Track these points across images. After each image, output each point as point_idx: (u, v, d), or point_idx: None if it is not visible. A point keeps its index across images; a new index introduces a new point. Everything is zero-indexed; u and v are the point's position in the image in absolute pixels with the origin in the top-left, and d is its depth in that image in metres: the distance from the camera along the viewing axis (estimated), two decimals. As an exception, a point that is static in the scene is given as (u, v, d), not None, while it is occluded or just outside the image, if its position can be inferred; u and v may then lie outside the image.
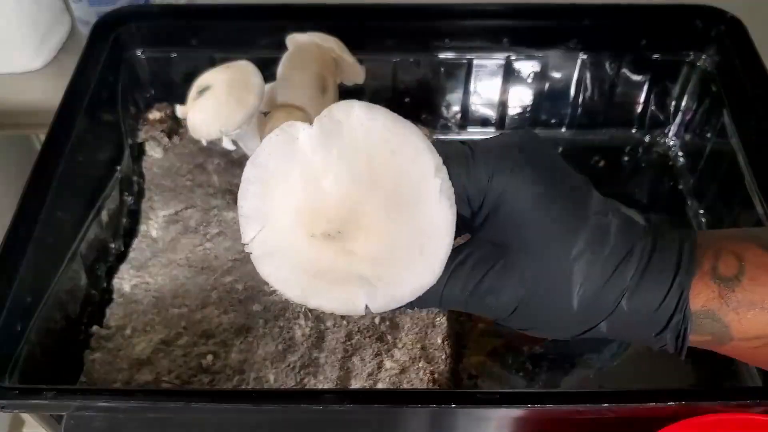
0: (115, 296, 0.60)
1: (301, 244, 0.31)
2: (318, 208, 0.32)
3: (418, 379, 0.53)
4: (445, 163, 0.33)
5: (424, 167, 0.32)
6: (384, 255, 0.32)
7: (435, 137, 0.74)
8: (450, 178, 0.33)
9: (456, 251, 0.34)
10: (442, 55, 0.70)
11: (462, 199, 0.33)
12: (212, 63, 0.67)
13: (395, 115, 0.33)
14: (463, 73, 0.71)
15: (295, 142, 0.33)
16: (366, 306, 0.32)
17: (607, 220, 0.34)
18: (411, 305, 0.34)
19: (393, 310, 0.56)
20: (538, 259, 0.33)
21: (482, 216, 0.34)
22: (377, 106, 0.33)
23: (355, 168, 0.32)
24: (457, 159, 0.33)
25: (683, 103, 0.72)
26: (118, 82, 0.67)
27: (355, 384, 0.53)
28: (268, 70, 0.59)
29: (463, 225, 0.35)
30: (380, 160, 0.32)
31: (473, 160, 0.33)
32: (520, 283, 0.33)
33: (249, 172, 0.34)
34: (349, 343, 0.55)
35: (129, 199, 0.67)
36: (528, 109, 0.73)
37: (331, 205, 0.32)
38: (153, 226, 0.64)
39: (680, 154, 0.73)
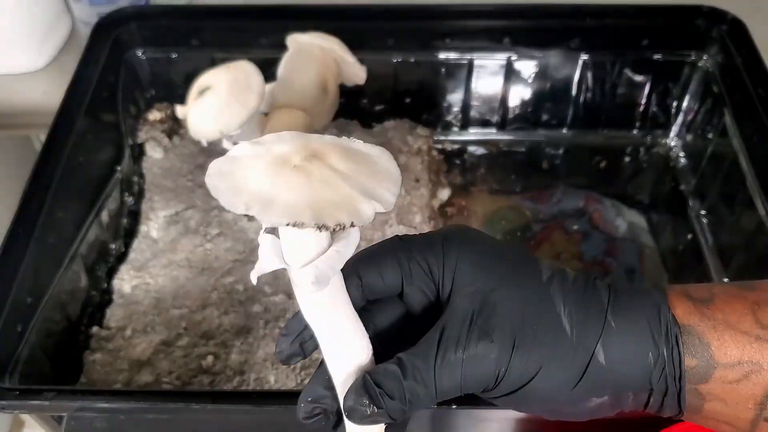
0: (115, 297, 0.60)
1: (289, 175, 0.30)
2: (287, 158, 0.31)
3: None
4: (403, 251, 0.34)
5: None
6: (356, 172, 0.31)
7: (436, 138, 0.74)
8: (411, 266, 0.34)
9: (430, 332, 0.33)
10: (443, 56, 0.70)
11: (427, 282, 0.34)
12: (213, 63, 0.67)
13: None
14: (463, 73, 0.71)
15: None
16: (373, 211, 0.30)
17: (560, 266, 0.35)
18: (398, 411, 0.32)
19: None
20: (515, 290, 0.33)
21: (447, 289, 0.34)
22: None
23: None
24: (407, 247, 0.35)
25: (684, 104, 0.72)
26: (118, 82, 0.67)
27: (356, 385, 0.53)
28: (268, 71, 0.59)
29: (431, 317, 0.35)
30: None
31: (428, 246, 0.35)
32: (513, 319, 0.33)
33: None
34: (349, 343, 0.55)
35: (129, 200, 0.67)
36: (529, 109, 0.73)
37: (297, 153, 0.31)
38: (153, 226, 0.64)
39: (681, 154, 0.73)
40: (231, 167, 0.30)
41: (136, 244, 0.63)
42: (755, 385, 0.33)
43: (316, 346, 0.35)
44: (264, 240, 0.32)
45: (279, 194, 0.28)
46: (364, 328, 0.33)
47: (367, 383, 0.32)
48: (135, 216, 0.66)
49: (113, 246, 0.64)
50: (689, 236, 0.67)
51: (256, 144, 0.31)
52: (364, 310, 0.35)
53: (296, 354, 0.35)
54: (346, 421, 0.34)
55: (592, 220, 0.68)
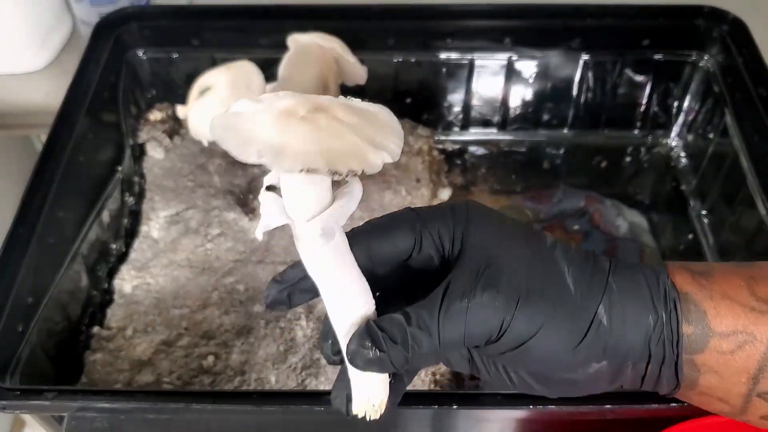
0: (116, 297, 0.60)
1: (298, 126, 0.30)
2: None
3: (420, 380, 0.53)
4: (419, 217, 0.35)
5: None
6: (361, 125, 0.31)
7: (437, 138, 0.74)
8: (421, 230, 0.35)
9: (438, 287, 0.34)
10: (444, 55, 0.70)
11: (437, 249, 0.35)
12: (213, 63, 0.67)
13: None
14: (464, 73, 0.71)
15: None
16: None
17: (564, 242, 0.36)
18: (400, 361, 0.33)
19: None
20: (522, 250, 0.34)
21: (456, 249, 0.35)
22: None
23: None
24: (422, 212, 0.36)
25: (685, 104, 0.72)
26: (119, 82, 0.67)
27: (357, 385, 0.53)
28: (269, 71, 0.59)
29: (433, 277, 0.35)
30: None
31: (439, 212, 0.36)
32: (516, 272, 0.33)
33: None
34: (350, 343, 0.55)
35: (130, 200, 0.67)
36: (530, 109, 0.73)
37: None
38: (154, 226, 0.64)
39: (682, 154, 0.73)
40: (236, 121, 0.30)
41: (137, 244, 0.63)
42: (749, 357, 0.33)
43: (304, 301, 0.35)
44: (266, 198, 0.32)
45: (289, 143, 0.29)
46: (368, 286, 0.34)
47: (370, 328, 0.33)
48: (136, 216, 0.66)
49: (114, 246, 0.64)
50: (690, 236, 0.67)
51: (257, 101, 0.31)
52: (370, 274, 0.35)
53: (282, 302, 0.35)
54: (353, 381, 0.34)
55: (592, 220, 0.68)
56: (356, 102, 0.32)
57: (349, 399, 0.35)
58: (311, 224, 0.31)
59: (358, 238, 0.35)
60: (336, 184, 0.33)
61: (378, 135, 0.31)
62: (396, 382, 0.36)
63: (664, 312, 0.34)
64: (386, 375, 0.34)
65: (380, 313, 0.34)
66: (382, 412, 0.35)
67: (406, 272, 0.37)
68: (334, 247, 0.32)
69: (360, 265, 0.34)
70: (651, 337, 0.34)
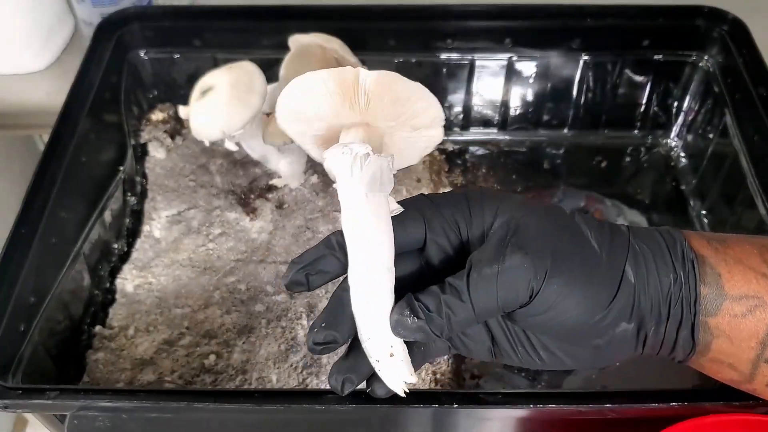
0: (118, 296, 0.60)
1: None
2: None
3: (420, 379, 0.53)
4: (431, 204, 0.38)
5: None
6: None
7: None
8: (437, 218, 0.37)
9: (469, 259, 0.35)
10: (445, 56, 0.70)
11: (452, 234, 0.37)
12: (215, 64, 0.68)
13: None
14: (465, 73, 0.71)
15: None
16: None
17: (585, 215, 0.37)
18: (441, 328, 0.34)
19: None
20: (546, 217, 0.35)
21: (475, 236, 0.36)
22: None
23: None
24: (439, 199, 0.38)
25: (685, 104, 0.72)
26: (121, 82, 0.67)
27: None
28: (270, 71, 0.59)
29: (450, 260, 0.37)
30: None
31: (455, 200, 0.38)
32: (543, 235, 0.34)
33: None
34: (351, 343, 0.56)
35: (132, 200, 0.67)
36: (530, 109, 0.73)
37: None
38: (156, 226, 0.64)
39: (682, 154, 0.73)
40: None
41: (139, 243, 0.63)
42: (759, 321, 0.35)
43: (322, 282, 0.37)
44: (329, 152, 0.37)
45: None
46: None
47: (409, 299, 0.35)
48: (138, 216, 0.66)
49: (116, 246, 0.64)
50: (690, 236, 0.67)
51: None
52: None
53: (300, 283, 0.36)
54: (376, 360, 0.36)
55: (593, 220, 0.68)
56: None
57: (346, 381, 0.36)
58: (362, 175, 0.36)
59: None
60: None
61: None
62: (434, 348, 0.38)
63: (682, 272, 0.35)
64: (407, 357, 0.36)
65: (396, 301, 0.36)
66: (407, 388, 0.36)
67: (420, 264, 0.38)
68: (381, 199, 0.36)
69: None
70: (672, 296, 0.35)
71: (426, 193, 0.38)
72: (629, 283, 0.34)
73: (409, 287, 0.36)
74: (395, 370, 0.35)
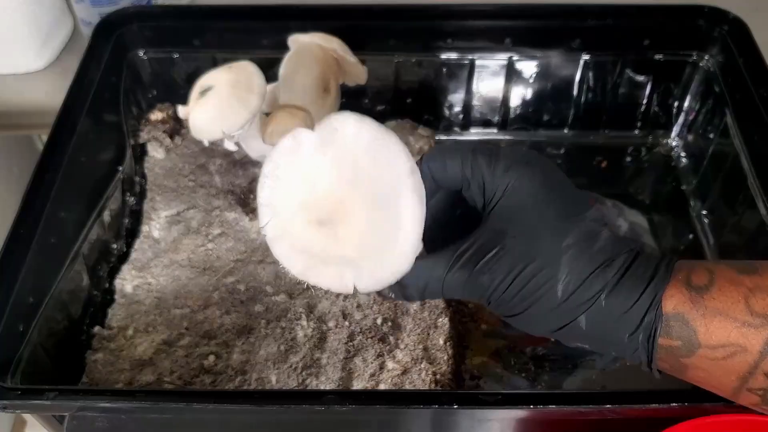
0: (117, 297, 0.60)
1: (301, 230, 0.39)
2: (313, 201, 0.39)
3: (420, 379, 0.53)
4: (473, 151, 0.39)
5: (399, 169, 0.38)
6: (366, 241, 0.39)
7: (438, 137, 0.74)
8: (472, 166, 0.39)
9: (461, 241, 0.38)
10: (445, 56, 0.70)
11: (479, 187, 0.39)
12: (214, 63, 0.68)
13: (381, 126, 0.39)
14: (465, 73, 0.71)
15: (300, 147, 0.40)
16: (354, 286, 0.39)
17: (600, 228, 0.38)
18: (415, 296, 0.40)
19: (395, 311, 0.56)
20: (531, 244, 0.37)
21: (491, 205, 0.39)
22: (367, 118, 0.39)
23: (343, 170, 0.39)
24: (483, 150, 0.39)
25: (686, 104, 0.72)
26: (120, 82, 0.67)
27: (357, 385, 0.53)
28: (270, 71, 0.59)
29: (471, 216, 0.40)
30: (364, 164, 0.39)
31: (496, 155, 0.39)
32: (513, 265, 0.37)
33: (266, 167, 0.40)
34: (351, 344, 0.55)
35: (131, 200, 0.67)
36: (530, 109, 0.73)
37: (322, 199, 0.39)
38: (155, 226, 0.64)
39: (683, 154, 0.73)
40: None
41: (138, 244, 0.63)
42: (739, 362, 0.36)
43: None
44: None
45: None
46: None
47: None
48: (137, 216, 0.66)
49: (115, 246, 0.64)
50: (690, 236, 0.67)
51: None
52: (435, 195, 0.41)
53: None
54: None
55: (593, 220, 0.68)
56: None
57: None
58: None
59: (425, 159, 0.40)
60: None
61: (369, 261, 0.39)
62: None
63: (643, 334, 0.37)
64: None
65: (435, 235, 0.40)
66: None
67: (455, 203, 0.42)
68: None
69: (426, 186, 0.39)
70: (627, 347, 0.38)
71: (477, 146, 0.40)
72: (579, 328, 0.37)
73: (446, 223, 0.42)
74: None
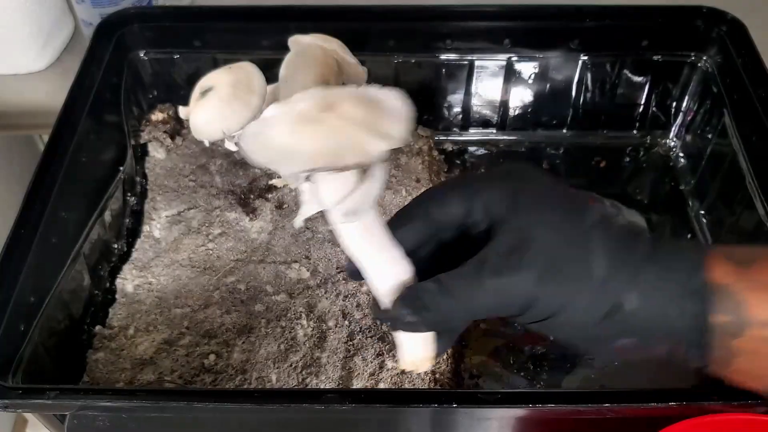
0: (117, 296, 0.60)
1: (306, 128, 0.33)
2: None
3: (420, 379, 0.53)
4: (467, 180, 0.39)
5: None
6: (366, 116, 0.34)
7: (437, 138, 0.74)
8: (474, 196, 0.37)
9: (474, 258, 0.36)
10: (444, 56, 0.70)
11: (484, 207, 0.37)
12: (215, 64, 0.68)
13: None
14: (464, 74, 0.71)
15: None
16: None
17: (616, 212, 0.37)
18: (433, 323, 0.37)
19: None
20: (554, 233, 0.35)
21: (500, 219, 0.37)
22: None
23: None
24: (473, 177, 0.39)
25: (684, 104, 0.72)
26: (121, 83, 0.67)
27: (357, 384, 0.53)
28: (270, 72, 0.59)
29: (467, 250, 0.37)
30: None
31: (489, 177, 0.39)
32: (542, 255, 0.35)
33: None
34: (350, 343, 0.56)
35: (132, 200, 0.67)
36: (529, 110, 0.74)
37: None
38: (156, 226, 0.64)
39: (681, 154, 0.73)
40: (261, 128, 0.35)
41: (139, 243, 0.63)
42: None
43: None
44: (304, 188, 0.36)
45: (298, 147, 0.32)
46: (401, 254, 0.37)
47: (404, 296, 0.37)
48: (137, 216, 0.66)
49: (116, 246, 0.64)
50: (689, 236, 0.68)
51: (284, 104, 0.36)
52: (433, 237, 0.39)
53: (358, 273, 0.39)
54: (397, 341, 0.39)
55: (592, 220, 0.68)
56: (369, 90, 0.35)
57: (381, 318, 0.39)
58: (336, 209, 0.35)
59: (418, 203, 0.39)
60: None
61: (383, 123, 0.33)
62: (442, 337, 0.40)
63: (692, 304, 0.34)
64: (428, 333, 0.38)
65: (435, 272, 0.37)
66: (430, 365, 0.39)
67: (465, 237, 0.39)
68: (360, 226, 0.36)
69: (420, 230, 0.38)
70: (675, 325, 0.35)
71: (470, 174, 0.39)
72: (623, 311, 0.35)
73: (449, 260, 0.38)
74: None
